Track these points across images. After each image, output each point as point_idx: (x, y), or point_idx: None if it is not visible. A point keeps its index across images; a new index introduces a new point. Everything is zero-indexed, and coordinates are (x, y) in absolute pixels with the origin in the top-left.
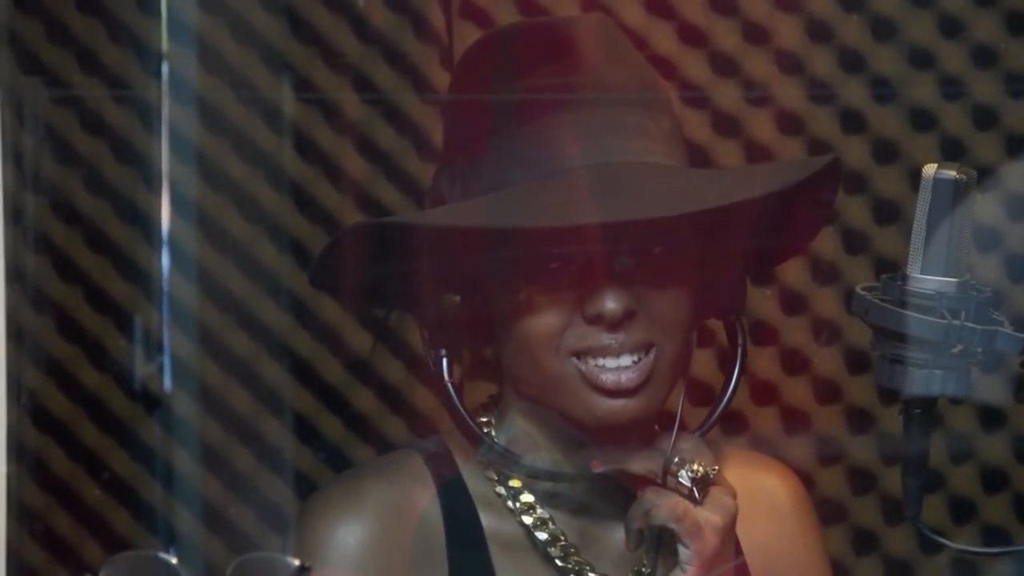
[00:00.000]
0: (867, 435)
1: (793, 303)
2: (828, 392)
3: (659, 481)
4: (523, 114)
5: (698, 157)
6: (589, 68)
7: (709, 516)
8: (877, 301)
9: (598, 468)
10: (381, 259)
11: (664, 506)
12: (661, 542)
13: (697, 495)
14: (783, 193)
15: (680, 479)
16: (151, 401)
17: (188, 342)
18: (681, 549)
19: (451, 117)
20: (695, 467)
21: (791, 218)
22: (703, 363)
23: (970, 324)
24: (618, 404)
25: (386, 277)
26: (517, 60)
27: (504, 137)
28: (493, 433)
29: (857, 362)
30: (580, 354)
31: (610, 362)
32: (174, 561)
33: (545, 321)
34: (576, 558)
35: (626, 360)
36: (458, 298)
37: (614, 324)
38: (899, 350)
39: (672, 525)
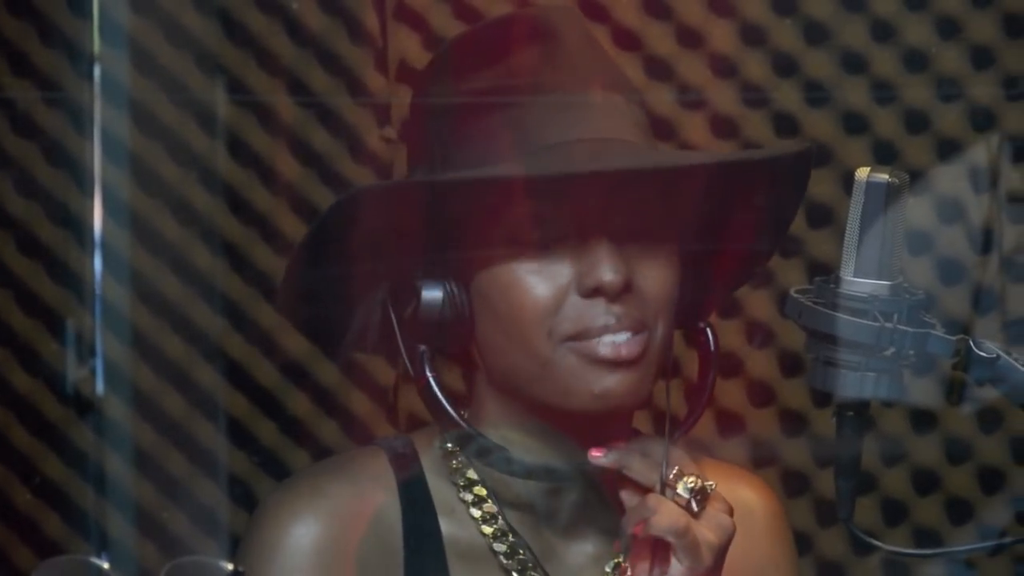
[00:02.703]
0: (800, 437)
1: (727, 306)
2: (762, 394)
3: (656, 490)
4: (512, 102)
5: None
6: (571, 56)
7: (707, 534)
8: (810, 304)
9: (597, 456)
10: (360, 254)
11: (667, 516)
12: (656, 552)
13: (695, 507)
14: (761, 187)
15: (678, 491)
16: (83, 405)
17: (121, 345)
18: (674, 563)
19: (423, 118)
20: (693, 479)
21: (759, 222)
22: None
23: (902, 327)
24: (616, 379)
25: (356, 275)
26: (496, 53)
27: (494, 126)
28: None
29: (790, 365)
30: (575, 338)
31: (607, 339)
32: (106, 566)
33: (534, 299)
34: (534, 573)
35: (623, 336)
36: (439, 290)
37: (614, 296)
38: (832, 353)
39: (671, 539)
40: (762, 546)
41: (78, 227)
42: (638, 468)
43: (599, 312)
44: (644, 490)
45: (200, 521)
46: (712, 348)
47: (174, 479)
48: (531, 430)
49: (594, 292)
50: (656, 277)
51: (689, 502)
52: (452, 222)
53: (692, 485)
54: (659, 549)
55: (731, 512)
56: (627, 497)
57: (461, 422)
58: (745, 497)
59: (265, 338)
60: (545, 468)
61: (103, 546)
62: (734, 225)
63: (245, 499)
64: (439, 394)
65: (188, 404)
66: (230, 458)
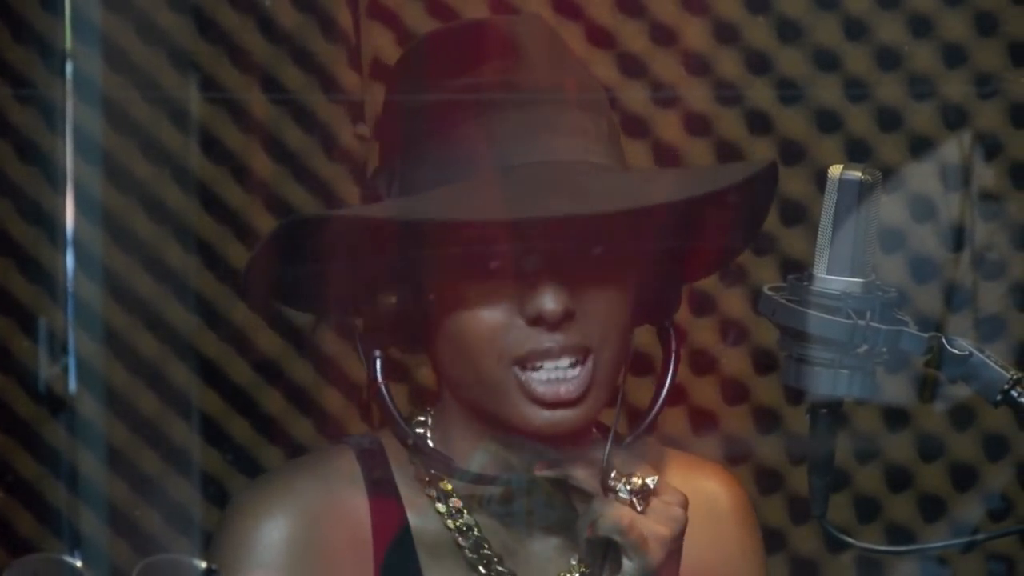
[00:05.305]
0: (774, 435)
1: (701, 304)
2: (735, 392)
3: (600, 495)
4: (463, 113)
5: None
6: (529, 67)
7: (655, 527)
8: (784, 301)
9: (542, 471)
10: (316, 257)
11: (610, 517)
12: (608, 552)
13: (638, 507)
14: (721, 198)
15: (619, 492)
16: (56, 403)
17: (93, 343)
18: (625, 561)
19: (390, 117)
20: (633, 479)
21: (727, 225)
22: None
23: (875, 324)
24: (556, 415)
25: (319, 277)
26: (455, 60)
27: (444, 136)
28: (428, 434)
29: (764, 362)
30: (521, 362)
31: (548, 365)
32: (79, 564)
33: (483, 324)
34: (499, 567)
35: (564, 362)
36: (394, 298)
37: (554, 324)
38: (805, 350)
39: (616, 538)
40: (729, 535)
41: (50, 224)
42: (580, 477)
43: (543, 339)
44: (591, 496)
45: (173, 519)
46: (672, 348)
47: (147, 477)
48: (485, 438)
49: (536, 320)
50: (602, 301)
51: (632, 502)
52: (403, 239)
53: (632, 486)
54: (611, 550)
55: (684, 503)
56: (578, 504)
57: (407, 430)
58: (710, 488)
59: (238, 336)
60: (491, 478)
61: (76, 544)
62: (696, 227)
63: (218, 497)
64: (389, 400)
65: (161, 402)
66: (203, 456)
